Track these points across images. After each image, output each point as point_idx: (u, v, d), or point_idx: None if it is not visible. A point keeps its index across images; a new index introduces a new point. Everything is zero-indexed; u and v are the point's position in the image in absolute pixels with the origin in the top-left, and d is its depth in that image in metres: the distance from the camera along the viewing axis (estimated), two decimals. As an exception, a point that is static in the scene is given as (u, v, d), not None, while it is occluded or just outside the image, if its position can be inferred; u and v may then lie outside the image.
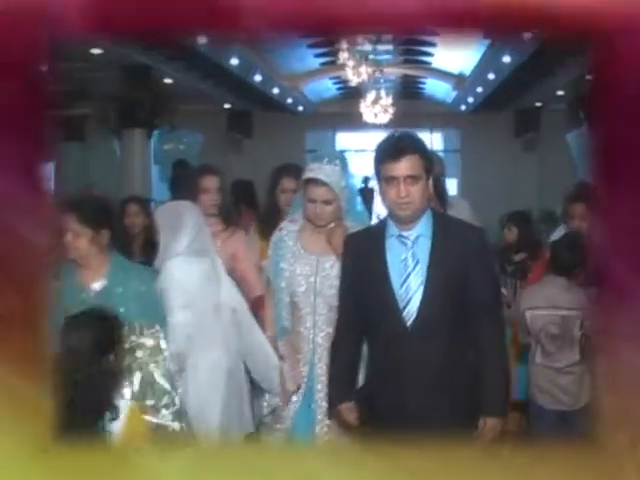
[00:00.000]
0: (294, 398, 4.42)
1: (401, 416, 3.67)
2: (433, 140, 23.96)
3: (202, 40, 11.74)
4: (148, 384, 3.66)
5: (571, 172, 16.03)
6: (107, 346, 3.45)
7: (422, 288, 3.68)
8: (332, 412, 4.08)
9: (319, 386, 4.35)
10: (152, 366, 3.70)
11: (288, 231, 4.51)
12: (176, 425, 3.69)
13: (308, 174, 4.28)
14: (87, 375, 3.36)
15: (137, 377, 3.64)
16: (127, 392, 3.55)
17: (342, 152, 4.58)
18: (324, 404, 4.28)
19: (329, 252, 4.32)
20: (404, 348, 3.67)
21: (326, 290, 4.32)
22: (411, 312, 3.66)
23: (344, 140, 25.95)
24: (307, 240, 4.45)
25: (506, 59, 13.60)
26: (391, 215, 3.74)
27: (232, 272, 5.01)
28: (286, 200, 5.27)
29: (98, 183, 17.15)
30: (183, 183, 5.69)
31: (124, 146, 14.77)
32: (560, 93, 16.63)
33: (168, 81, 15.00)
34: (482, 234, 3.98)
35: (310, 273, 4.37)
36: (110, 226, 4.23)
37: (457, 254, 3.71)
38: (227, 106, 21.34)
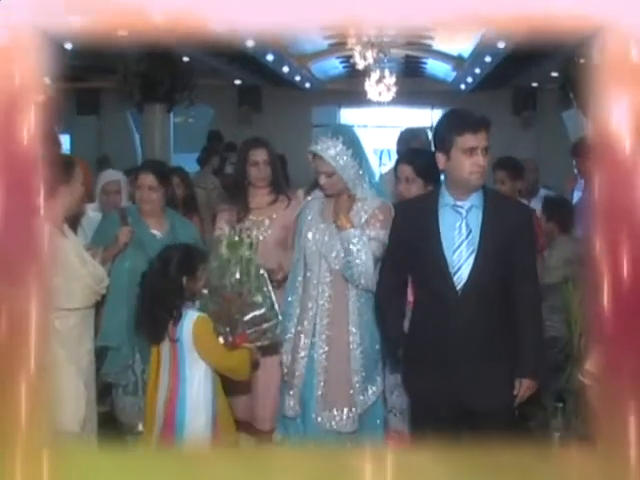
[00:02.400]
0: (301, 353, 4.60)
1: (445, 374, 3.94)
2: (434, 117, 24.96)
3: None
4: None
5: (567, 149, 17.16)
6: (178, 271, 4.35)
7: (473, 255, 3.90)
8: (390, 352, 4.39)
9: (320, 342, 4.55)
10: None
11: (314, 198, 4.76)
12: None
13: (311, 147, 4.48)
14: (157, 290, 4.34)
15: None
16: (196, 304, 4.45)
17: (348, 126, 5.09)
18: (323, 359, 4.52)
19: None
20: (453, 310, 3.91)
21: (329, 254, 4.50)
22: (462, 277, 3.91)
23: (348, 115, 26.86)
24: (325, 208, 4.66)
25: (501, 44, 14.50)
26: (458, 185, 3.95)
27: (284, 242, 5.25)
28: (256, 172, 5.40)
29: (112, 152, 18.26)
30: (236, 155, 5.74)
31: (146, 120, 15.72)
32: (554, 74, 17.32)
33: (186, 59, 15.85)
34: (530, 213, 4.35)
35: (320, 238, 4.56)
36: (169, 187, 5.52)
37: (506, 226, 3.93)
38: (237, 82, 22.21)
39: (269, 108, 23.26)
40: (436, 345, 3.98)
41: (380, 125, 25.62)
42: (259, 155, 5.37)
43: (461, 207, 3.96)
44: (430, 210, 4.01)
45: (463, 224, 3.94)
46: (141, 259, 4.82)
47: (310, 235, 4.62)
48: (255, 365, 4.75)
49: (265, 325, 4.28)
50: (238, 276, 4.21)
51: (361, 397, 4.49)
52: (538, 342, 4.04)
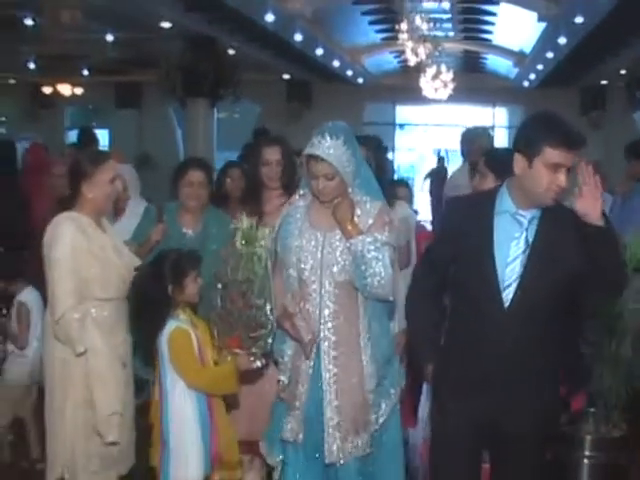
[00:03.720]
0: (304, 373, 4.34)
1: (482, 394, 3.77)
2: (496, 114, 25.24)
3: (270, 18, 13.42)
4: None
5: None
6: (164, 279, 4.31)
7: (525, 271, 3.71)
8: (422, 370, 4.13)
9: (327, 364, 4.28)
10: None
11: (296, 206, 4.49)
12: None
13: (307, 150, 4.24)
14: (143, 297, 4.35)
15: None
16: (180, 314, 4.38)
17: (345, 125, 4.37)
18: (332, 383, 4.25)
19: (335, 227, 4.29)
20: (498, 329, 3.72)
21: (332, 266, 4.28)
22: (510, 294, 3.71)
23: (405, 113, 27.34)
24: (314, 216, 4.40)
25: (562, 40, 14.79)
26: (528, 195, 3.72)
27: None
28: (267, 172, 5.28)
29: (153, 149, 18.78)
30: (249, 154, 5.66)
31: (189, 116, 16.21)
32: (623, 72, 17.73)
33: (231, 52, 16.42)
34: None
35: (316, 249, 4.32)
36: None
37: (563, 240, 3.72)
38: (286, 77, 22.81)
39: (319, 104, 23.70)
40: (474, 365, 3.80)
41: (439, 124, 25.99)
42: (272, 154, 5.25)
43: (523, 217, 3.73)
44: (485, 214, 3.79)
45: (522, 236, 3.72)
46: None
47: (303, 248, 4.34)
48: (256, 374, 4.68)
49: (260, 331, 4.22)
50: (246, 273, 4.19)
51: (374, 416, 4.32)
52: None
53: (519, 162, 3.68)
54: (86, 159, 4.67)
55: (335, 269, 4.25)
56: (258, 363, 4.34)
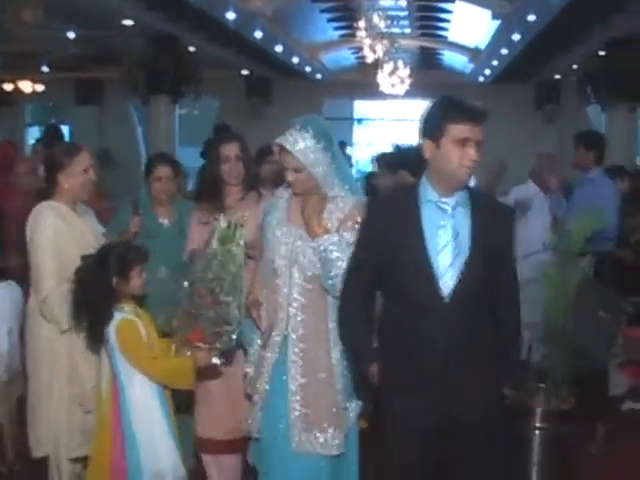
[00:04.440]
0: (266, 366, 4.34)
1: (430, 387, 3.77)
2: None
3: (231, 16, 13.66)
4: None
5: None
6: (109, 271, 4.35)
7: (461, 259, 3.71)
8: (358, 374, 4.14)
9: (292, 356, 4.24)
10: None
11: (279, 198, 4.48)
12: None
13: (278, 139, 4.23)
14: (87, 288, 4.37)
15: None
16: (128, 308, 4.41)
17: (319, 118, 4.37)
18: (298, 376, 4.22)
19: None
20: (439, 321, 3.70)
21: (302, 259, 4.25)
22: (447, 283, 3.71)
23: (363, 108, 27.69)
24: (292, 208, 4.38)
25: (515, 37, 15.12)
26: (444, 178, 3.73)
27: (258, 241, 4.89)
28: (228, 169, 5.23)
29: (113, 145, 18.88)
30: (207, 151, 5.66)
31: (151, 113, 16.41)
32: (575, 67, 18.09)
33: (192, 49, 16.59)
34: (513, 215, 4.17)
35: (289, 241, 4.30)
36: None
37: (493, 228, 3.78)
38: (245, 72, 22.92)
39: (279, 100, 23.93)
40: (418, 359, 3.79)
41: (397, 119, 26.33)
42: (231, 150, 5.23)
43: (446, 204, 3.75)
44: (410, 207, 3.80)
45: (449, 224, 3.74)
46: (148, 247, 5.40)
47: (278, 239, 4.34)
48: (214, 371, 4.67)
49: (225, 327, 4.23)
50: (218, 275, 4.24)
51: (345, 416, 4.28)
52: (518, 361, 4.17)
53: (428, 148, 3.73)
54: (61, 151, 5.00)
55: (305, 263, 4.23)
56: (216, 360, 4.36)
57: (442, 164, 3.70)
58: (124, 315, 4.35)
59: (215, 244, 4.29)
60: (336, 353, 4.23)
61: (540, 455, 5.13)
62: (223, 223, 4.33)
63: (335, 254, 4.11)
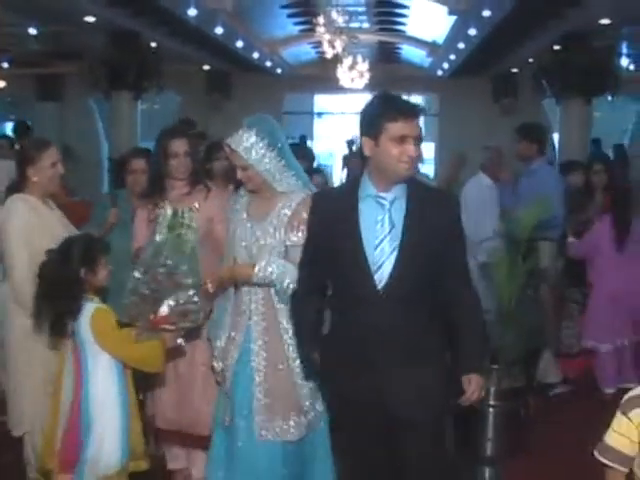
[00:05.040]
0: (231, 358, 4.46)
1: (367, 378, 3.80)
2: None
3: (192, 12, 13.89)
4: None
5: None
6: (75, 263, 4.36)
7: (396, 252, 3.75)
8: (303, 360, 4.20)
9: (256, 348, 4.35)
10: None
11: (240, 195, 4.56)
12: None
13: (226, 140, 4.36)
14: (54, 281, 4.36)
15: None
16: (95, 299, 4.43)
17: (265, 117, 4.48)
18: (262, 367, 4.34)
19: (265, 217, 4.38)
20: (374, 312, 3.75)
21: (259, 256, 4.33)
22: (383, 275, 3.75)
23: (323, 102, 28.04)
24: (250, 205, 4.48)
25: (472, 32, 15.48)
26: (383, 174, 3.78)
27: (209, 234, 5.09)
28: (176, 164, 5.20)
29: (74, 141, 18.93)
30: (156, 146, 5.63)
31: (113, 107, 16.50)
32: (531, 61, 18.17)
33: (153, 45, 16.64)
34: (456, 202, 4.18)
35: (246, 238, 4.40)
36: None
37: (432, 219, 3.78)
38: (206, 67, 23.05)
39: (239, 94, 24.04)
40: (356, 349, 3.84)
41: (357, 112, 26.57)
42: (180, 146, 5.21)
43: (384, 199, 3.81)
44: (349, 201, 3.87)
45: (386, 217, 3.80)
46: (125, 239, 5.52)
47: (238, 237, 4.46)
48: (178, 352, 4.75)
49: (190, 306, 4.30)
50: (173, 258, 4.30)
51: (309, 401, 4.41)
52: (482, 339, 4.05)
53: (367, 145, 3.78)
54: (31, 146, 5.25)
55: (261, 264, 4.29)
56: (181, 340, 4.47)
57: (382, 161, 3.77)
58: (97, 305, 4.40)
59: (164, 232, 4.46)
60: (289, 344, 4.35)
61: (494, 430, 5.42)
62: (169, 211, 4.51)
63: (276, 273, 4.25)
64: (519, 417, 5.75)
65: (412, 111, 3.74)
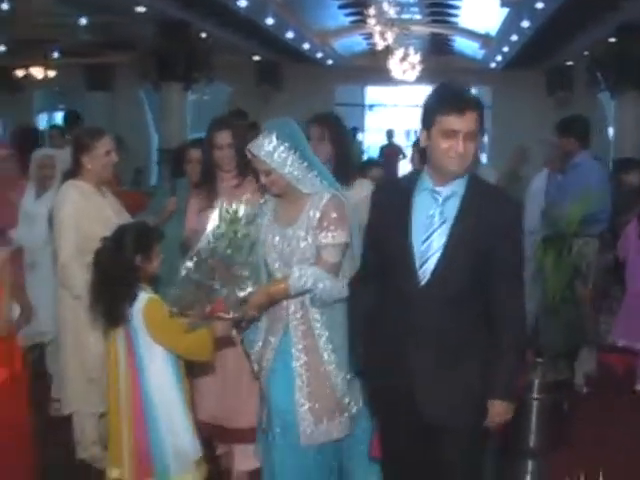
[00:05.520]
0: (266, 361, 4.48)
1: (399, 377, 3.76)
2: (465, 96, 25.68)
3: (242, 3, 14.03)
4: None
5: (602, 131, 17.90)
6: (129, 250, 4.40)
7: (442, 248, 3.68)
8: (349, 352, 4.23)
9: (296, 352, 4.37)
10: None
11: (267, 200, 4.59)
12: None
13: (248, 146, 4.39)
14: (109, 269, 4.39)
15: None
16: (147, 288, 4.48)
17: (285, 120, 4.45)
18: (303, 370, 4.33)
19: (292, 222, 4.39)
20: (413, 308, 3.71)
21: (291, 260, 4.37)
22: (427, 271, 3.69)
23: (374, 94, 28.08)
24: (277, 210, 4.51)
25: (525, 24, 15.44)
26: (436, 168, 3.73)
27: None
28: (220, 156, 5.31)
29: (124, 131, 19.14)
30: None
31: (163, 98, 16.73)
32: (586, 54, 18.13)
33: (204, 36, 16.93)
34: (518, 209, 4.11)
35: (277, 243, 4.43)
36: None
37: (486, 220, 3.68)
38: (256, 58, 23.23)
39: (290, 86, 24.24)
40: (391, 347, 3.82)
41: (408, 104, 26.61)
42: (223, 138, 5.31)
43: (439, 194, 3.74)
44: (406, 193, 3.82)
45: (437, 212, 3.73)
46: (181, 228, 5.64)
47: (269, 240, 4.47)
48: (228, 342, 4.81)
49: (241, 295, 4.32)
50: (230, 251, 4.32)
51: (347, 400, 4.42)
52: (513, 365, 3.82)
53: (423, 136, 3.73)
54: (85, 134, 5.45)
55: (293, 263, 4.33)
56: (234, 331, 4.56)
57: (433, 154, 3.72)
58: (150, 295, 4.43)
59: (221, 226, 4.39)
60: (325, 342, 4.38)
61: (537, 422, 5.50)
62: (227, 207, 4.43)
63: (309, 282, 4.24)
64: (562, 410, 5.80)
65: (464, 105, 3.61)
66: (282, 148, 4.27)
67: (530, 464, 5.48)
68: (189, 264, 4.31)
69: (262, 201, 4.61)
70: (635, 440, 6.19)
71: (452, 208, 3.71)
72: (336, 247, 4.31)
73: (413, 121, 23.97)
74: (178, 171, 6.57)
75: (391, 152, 19.33)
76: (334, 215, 4.28)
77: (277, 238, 4.42)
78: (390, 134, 21.05)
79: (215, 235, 4.34)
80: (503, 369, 3.74)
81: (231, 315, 4.34)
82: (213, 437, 5.32)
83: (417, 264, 3.70)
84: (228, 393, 5.16)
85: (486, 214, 3.69)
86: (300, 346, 4.37)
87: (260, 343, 4.54)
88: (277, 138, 4.27)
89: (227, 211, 4.39)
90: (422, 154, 3.94)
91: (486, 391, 3.76)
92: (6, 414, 4.44)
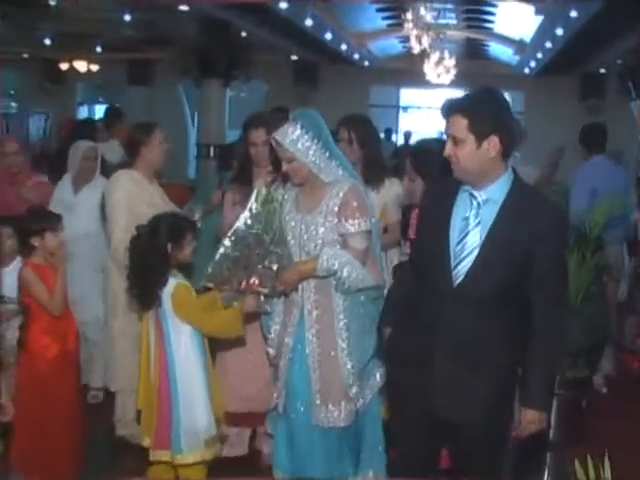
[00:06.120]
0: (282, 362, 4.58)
1: (420, 375, 3.76)
2: (498, 100, 25.70)
3: (283, 4, 14.23)
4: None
5: (633, 139, 17.76)
6: (162, 238, 4.58)
7: (477, 250, 3.65)
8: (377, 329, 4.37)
9: (310, 336, 4.47)
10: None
11: (289, 188, 4.67)
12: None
13: (272, 134, 4.45)
14: (143, 256, 4.60)
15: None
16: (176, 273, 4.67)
17: (309, 110, 4.59)
18: (316, 354, 4.44)
19: (312, 209, 4.45)
20: (446, 307, 3.68)
21: (310, 246, 4.44)
22: (461, 272, 3.66)
23: (408, 96, 28.04)
24: (298, 198, 4.58)
25: (559, 31, 15.47)
26: None
27: None
28: (255, 152, 5.41)
29: (163, 125, 19.25)
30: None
31: (203, 95, 16.97)
32: (619, 62, 17.88)
33: (244, 34, 17.09)
34: (562, 217, 4.01)
35: (297, 231, 4.50)
36: None
37: (526, 225, 3.62)
38: (294, 58, 23.41)
39: (326, 86, 24.34)
40: (417, 343, 3.82)
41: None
42: (258, 136, 5.41)
43: (475, 197, 3.70)
44: (451, 193, 3.80)
45: (472, 214, 3.70)
46: (220, 220, 5.77)
47: (289, 227, 4.55)
48: (255, 316, 4.89)
49: (275, 269, 4.49)
50: (265, 229, 4.50)
51: (354, 390, 4.50)
52: (549, 374, 3.85)
53: None
54: (141, 128, 5.76)
55: (312, 249, 4.43)
56: (267, 307, 4.68)
57: None
58: (179, 280, 4.65)
59: (256, 206, 4.57)
60: (341, 331, 4.46)
61: (557, 417, 5.64)
62: (263, 190, 4.65)
63: (337, 262, 4.33)
64: (581, 406, 5.95)
65: (447, 110, 3.68)
66: (306, 137, 4.34)
67: (549, 456, 5.56)
68: (227, 242, 4.54)
69: (288, 185, 4.71)
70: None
71: (490, 211, 3.68)
72: (362, 234, 4.41)
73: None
74: (225, 165, 6.73)
75: (407, 153, 19.29)
76: (355, 204, 4.39)
77: (293, 223, 4.54)
78: (408, 135, 21.11)
79: (252, 215, 4.53)
80: (539, 379, 3.73)
81: (265, 290, 4.54)
82: (240, 421, 5.42)
83: (452, 264, 3.69)
84: (257, 374, 5.27)
85: (526, 220, 3.64)
86: (314, 330, 4.48)
87: (277, 327, 4.69)
88: (301, 127, 4.34)
89: (262, 193, 4.59)
90: None
91: (508, 396, 3.83)
92: (57, 386, 4.81)
